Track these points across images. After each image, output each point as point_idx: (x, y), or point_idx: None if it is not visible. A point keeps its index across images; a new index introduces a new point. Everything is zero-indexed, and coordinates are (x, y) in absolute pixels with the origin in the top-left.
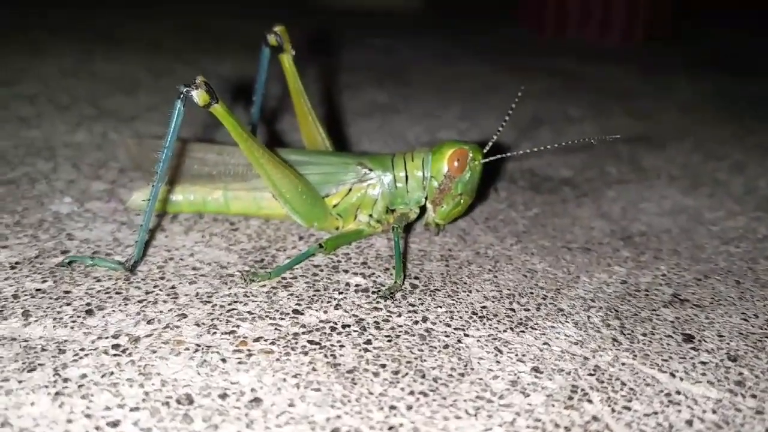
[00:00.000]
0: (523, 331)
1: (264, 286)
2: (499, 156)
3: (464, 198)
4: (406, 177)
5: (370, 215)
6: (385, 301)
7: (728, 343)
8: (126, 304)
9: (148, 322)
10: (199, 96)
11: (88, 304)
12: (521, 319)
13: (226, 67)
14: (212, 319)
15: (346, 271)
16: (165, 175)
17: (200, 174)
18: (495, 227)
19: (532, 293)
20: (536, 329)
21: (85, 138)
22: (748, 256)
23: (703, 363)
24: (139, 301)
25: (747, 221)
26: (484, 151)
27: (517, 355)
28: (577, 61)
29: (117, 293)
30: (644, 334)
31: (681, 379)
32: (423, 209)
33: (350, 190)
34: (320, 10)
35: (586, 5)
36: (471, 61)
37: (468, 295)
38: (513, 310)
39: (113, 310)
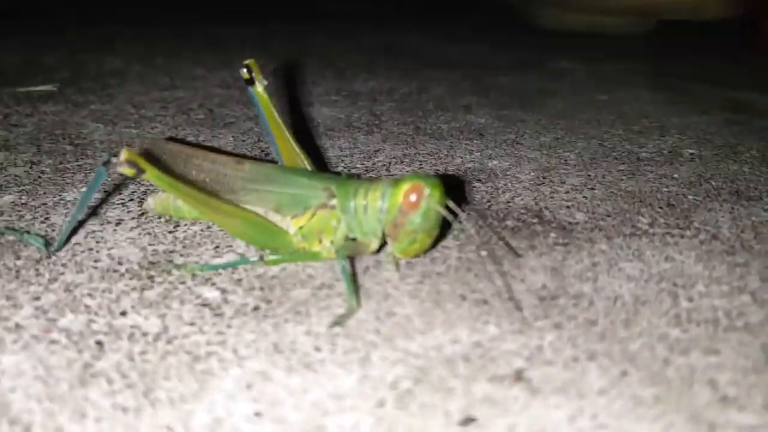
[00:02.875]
0: (298, 372)
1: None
2: (452, 210)
3: (420, 235)
4: (366, 207)
5: (332, 241)
6: (336, 326)
7: None
8: (14, 279)
9: (8, 299)
10: (124, 171)
11: None
12: (311, 361)
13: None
14: (52, 306)
15: (214, 284)
16: (78, 213)
17: (197, 180)
18: (414, 264)
19: (359, 336)
20: (318, 372)
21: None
22: (682, 346)
23: None
24: (24, 281)
25: (747, 303)
26: (460, 213)
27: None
28: None
29: (17, 271)
30: (423, 407)
31: None
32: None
33: (314, 214)
34: (541, 32)
35: None
36: (646, 87)
37: (292, 327)
38: (318, 349)
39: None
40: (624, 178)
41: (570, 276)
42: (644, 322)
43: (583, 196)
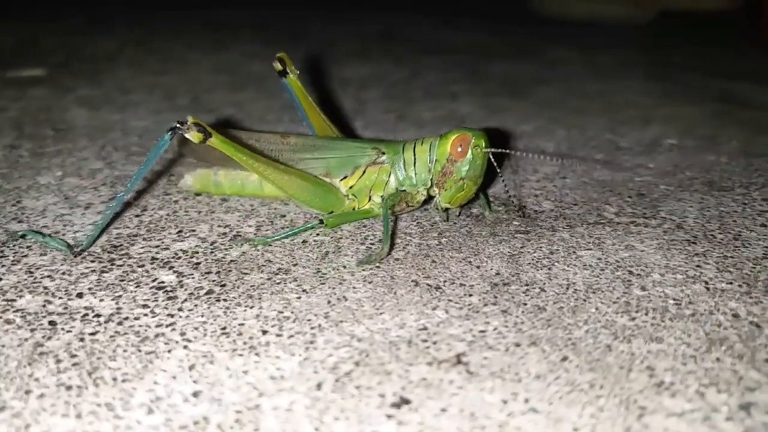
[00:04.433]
0: (242, 354)
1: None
2: (501, 150)
3: (467, 183)
4: (415, 160)
5: (382, 196)
6: (363, 264)
7: (435, 420)
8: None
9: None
10: (192, 136)
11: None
12: (256, 344)
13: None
14: (12, 287)
15: (172, 267)
16: (134, 187)
17: None
18: (373, 248)
19: (307, 320)
20: (261, 354)
21: None
22: (626, 333)
23: None
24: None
25: (699, 293)
26: (508, 150)
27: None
28: None
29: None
30: (359, 389)
31: None
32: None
33: (365, 172)
34: (543, 20)
35: None
36: (640, 77)
37: (243, 311)
38: (265, 332)
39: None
40: (598, 167)
41: (525, 263)
42: (592, 309)
43: (554, 185)
